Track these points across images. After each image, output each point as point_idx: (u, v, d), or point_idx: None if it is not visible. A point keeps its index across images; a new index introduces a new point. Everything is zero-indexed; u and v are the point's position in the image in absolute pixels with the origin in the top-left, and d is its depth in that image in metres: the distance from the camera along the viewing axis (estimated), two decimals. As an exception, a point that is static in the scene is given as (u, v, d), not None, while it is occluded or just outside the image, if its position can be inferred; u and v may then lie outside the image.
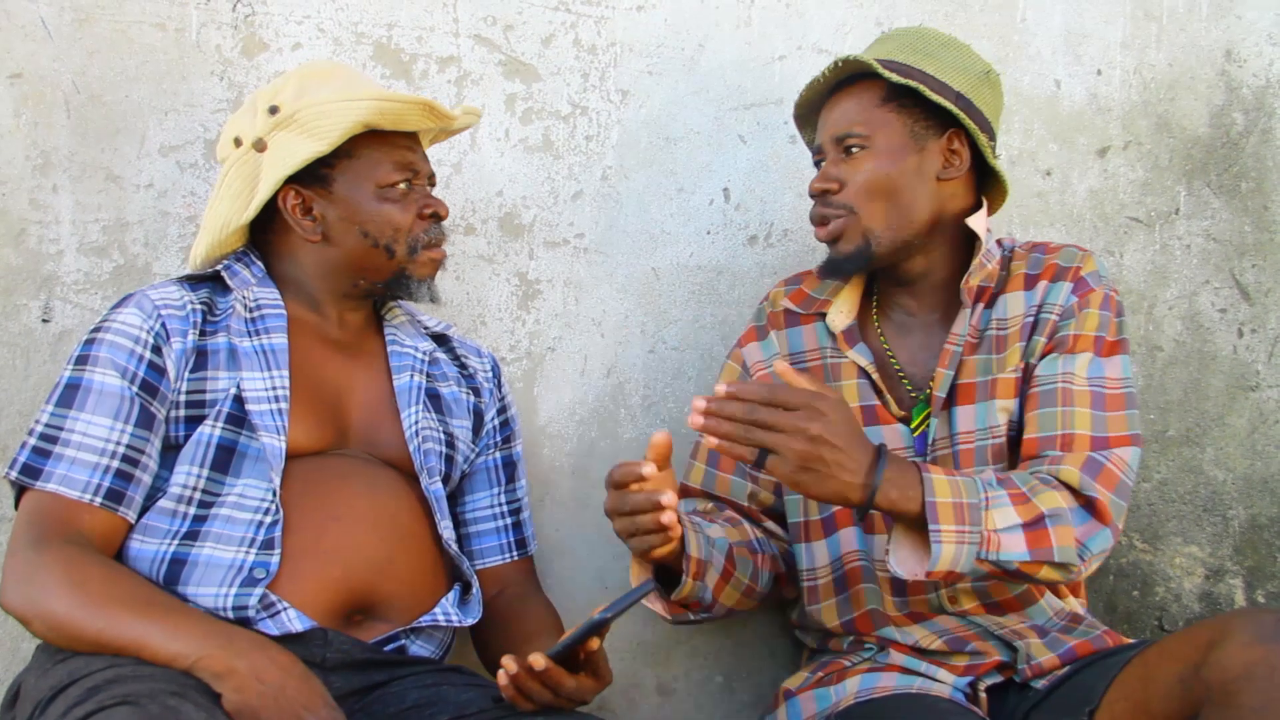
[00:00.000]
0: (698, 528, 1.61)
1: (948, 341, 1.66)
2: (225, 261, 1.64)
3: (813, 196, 1.70)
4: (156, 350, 1.51)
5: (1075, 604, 1.66)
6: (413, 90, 1.96)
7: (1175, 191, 2.14)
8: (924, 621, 1.64)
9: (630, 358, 2.03)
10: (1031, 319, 1.64)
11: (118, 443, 1.47)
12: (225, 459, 1.51)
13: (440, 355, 1.77)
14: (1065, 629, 1.63)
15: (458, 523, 1.75)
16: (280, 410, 1.53)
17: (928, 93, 1.63)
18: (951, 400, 1.64)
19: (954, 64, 1.68)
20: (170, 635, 1.33)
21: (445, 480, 1.68)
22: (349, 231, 1.62)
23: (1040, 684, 1.57)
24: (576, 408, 2.01)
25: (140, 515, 1.49)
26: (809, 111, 1.80)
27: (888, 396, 1.69)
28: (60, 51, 1.86)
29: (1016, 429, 1.61)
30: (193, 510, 1.49)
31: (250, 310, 1.60)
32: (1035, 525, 1.45)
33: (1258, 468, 2.12)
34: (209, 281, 1.64)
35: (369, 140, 1.61)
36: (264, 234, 1.66)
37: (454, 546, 1.64)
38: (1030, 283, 1.66)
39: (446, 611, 1.59)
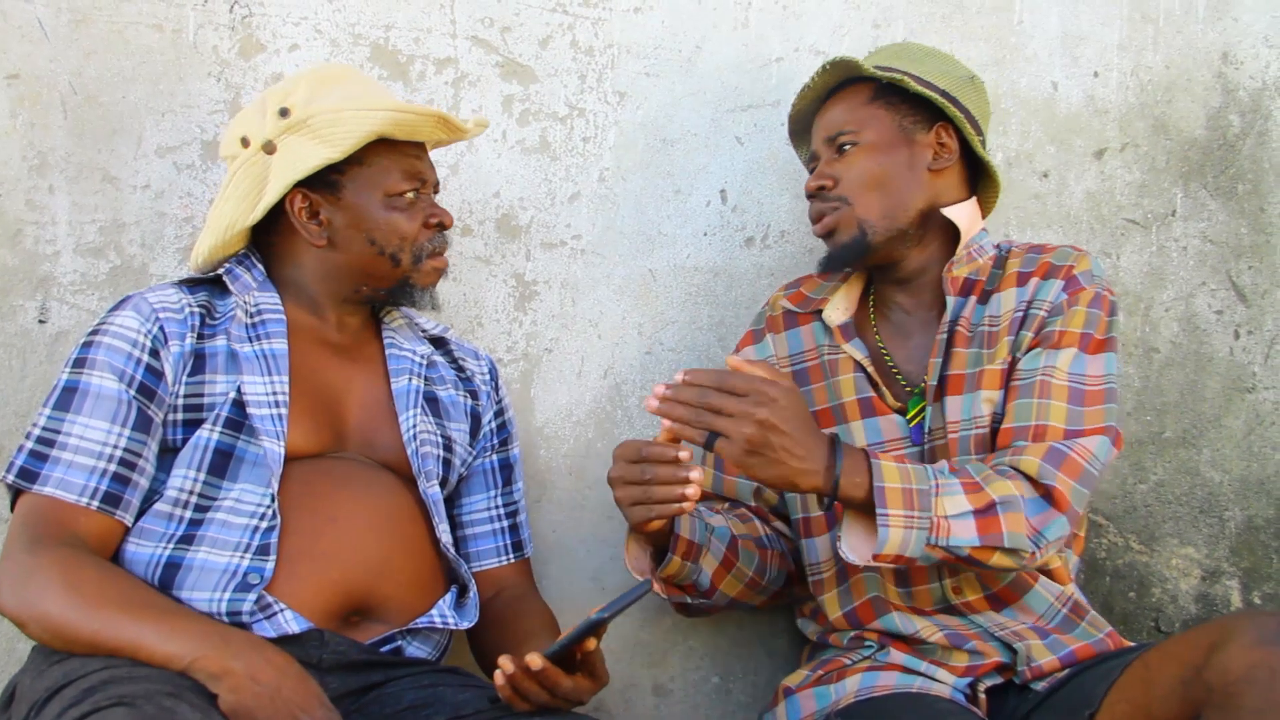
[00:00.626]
0: (696, 514, 1.65)
1: (937, 332, 1.69)
2: (226, 265, 1.64)
3: (809, 196, 1.75)
4: (154, 353, 1.51)
5: (1075, 590, 1.66)
6: (410, 91, 1.96)
7: (1172, 193, 2.14)
8: (926, 615, 1.64)
9: (627, 359, 2.03)
10: (1021, 314, 1.65)
11: (115, 446, 1.46)
12: (222, 463, 1.51)
13: (438, 358, 1.77)
14: (1067, 624, 1.62)
15: (454, 525, 1.75)
16: (279, 415, 1.53)
17: (913, 85, 1.69)
18: (943, 390, 1.66)
19: (938, 68, 1.75)
20: (166, 636, 1.33)
21: (443, 483, 1.68)
22: (355, 238, 1.62)
23: (1040, 686, 1.57)
24: (573, 409, 2.01)
25: (137, 518, 1.49)
26: (802, 126, 1.86)
27: (883, 389, 1.71)
28: (57, 52, 1.86)
29: (1000, 420, 1.62)
30: (189, 514, 1.49)
31: (251, 315, 1.60)
32: (986, 512, 1.46)
33: (1254, 469, 2.12)
34: (208, 284, 1.64)
35: (379, 148, 1.61)
36: (266, 235, 1.66)
37: (451, 550, 1.64)
38: (1023, 280, 1.68)
39: (443, 614, 1.58)
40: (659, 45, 2.05)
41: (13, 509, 1.47)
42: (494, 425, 1.80)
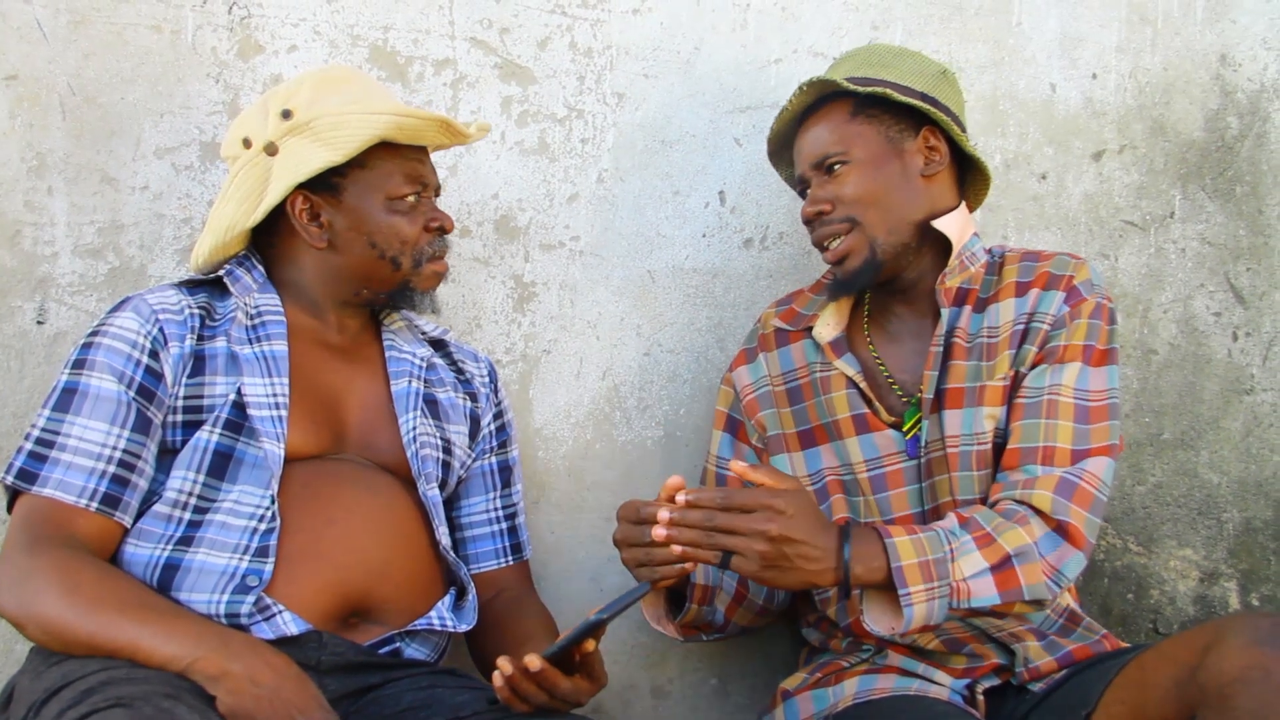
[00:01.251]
0: None
1: (931, 344, 1.67)
2: (227, 266, 1.64)
3: (807, 223, 1.72)
4: (154, 355, 1.51)
5: (1070, 600, 1.67)
6: (408, 93, 1.96)
7: (1170, 195, 2.15)
8: None
9: (626, 360, 2.03)
10: (1022, 326, 1.64)
11: (114, 448, 1.46)
12: (222, 465, 1.51)
13: (437, 360, 1.77)
14: (1063, 631, 1.63)
15: (453, 527, 1.75)
16: (279, 418, 1.53)
17: (895, 95, 1.65)
18: (940, 403, 1.65)
19: (911, 69, 1.72)
20: (164, 638, 1.33)
21: (442, 486, 1.68)
22: (356, 241, 1.62)
23: (1037, 687, 1.58)
24: (572, 410, 2.01)
25: (136, 520, 1.49)
26: (781, 146, 1.83)
27: (877, 404, 1.70)
28: (56, 53, 1.86)
29: (1003, 436, 1.62)
30: (188, 515, 1.49)
31: (251, 317, 1.60)
32: (1002, 567, 1.47)
33: (1252, 471, 2.12)
34: (207, 286, 1.64)
35: (381, 151, 1.61)
36: (267, 237, 1.66)
37: (451, 553, 1.64)
38: (1022, 290, 1.67)
39: (442, 616, 1.58)
40: (657, 47, 2.05)
41: (11, 510, 1.47)
42: (493, 427, 1.80)
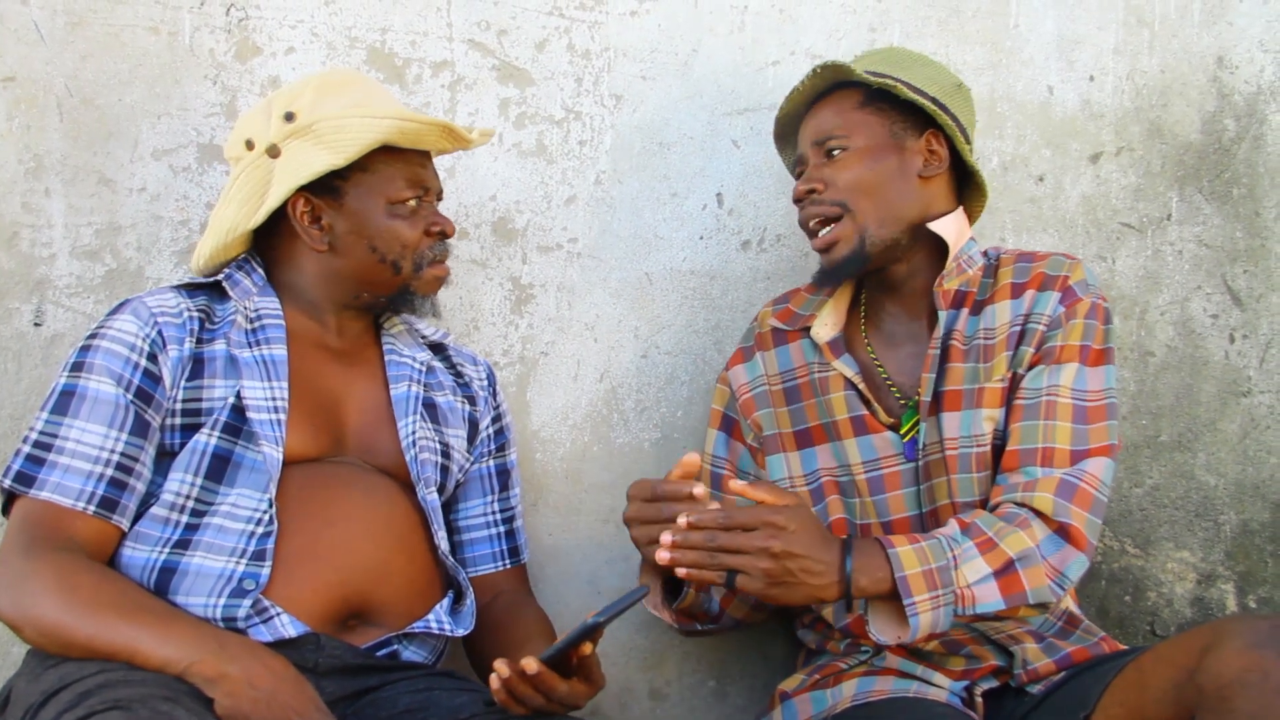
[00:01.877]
0: None
1: (929, 346, 1.67)
2: (226, 270, 1.64)
3: (797, 201, 1.73)
4: (152, 358, 1.51)
5: (1069, 602, 1.67)
6: (406, 95, 1.96)
7: (1167, 197, 2.15)
8: None
9: (623, 362, 2.03)
10: (1019, 328, 1.64)
11: (112, 451, 1.46)
12: (220, 468, 1.51)
13: (436, 364, 1.77)
14: (1062, 633, 1.63)
15: (451, 530, 1.75)
16: (278, 421, 1.53)
17: (904, 91, 1.67)
18: (939, 406, 1.65)
19: (928, 75, 1.73)
20: (162, 640, 1.33)
21: (440, 489, 1.68)
22: (357, 244, 1.62)
23: (1036, 689, 1.58)
24: (569, 412, 2.01)
25: (133, 523, 1.49)
26: (788, 129, 1.84)
27: (875, 406, 1.70)
28: (53, 55, 1.86)
29: (1002, 437, 1.62)
30: (185, 518, 1.49)
31: (250, 320, 1.59)
32: (1006, 571, 1.48)
33: (1249, 473, 2.13)
34: (207, 288, 1.64)
35: (384, 155, 1.61)
36: (268, 239, 1.66)
37: (449, 557, 1.64)
38: (1017, 291, 1.67)
39: (440, 619, 1.58)
40: (655, 49, 2.05)
41: (8, 513, 1.47)
42: (491, 431, 1.80)
